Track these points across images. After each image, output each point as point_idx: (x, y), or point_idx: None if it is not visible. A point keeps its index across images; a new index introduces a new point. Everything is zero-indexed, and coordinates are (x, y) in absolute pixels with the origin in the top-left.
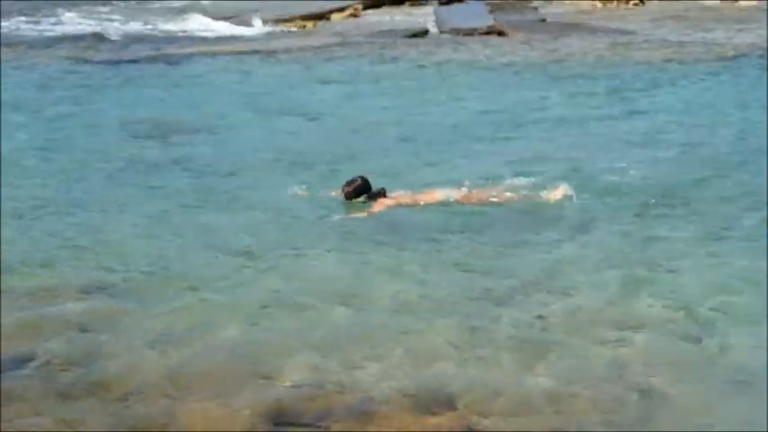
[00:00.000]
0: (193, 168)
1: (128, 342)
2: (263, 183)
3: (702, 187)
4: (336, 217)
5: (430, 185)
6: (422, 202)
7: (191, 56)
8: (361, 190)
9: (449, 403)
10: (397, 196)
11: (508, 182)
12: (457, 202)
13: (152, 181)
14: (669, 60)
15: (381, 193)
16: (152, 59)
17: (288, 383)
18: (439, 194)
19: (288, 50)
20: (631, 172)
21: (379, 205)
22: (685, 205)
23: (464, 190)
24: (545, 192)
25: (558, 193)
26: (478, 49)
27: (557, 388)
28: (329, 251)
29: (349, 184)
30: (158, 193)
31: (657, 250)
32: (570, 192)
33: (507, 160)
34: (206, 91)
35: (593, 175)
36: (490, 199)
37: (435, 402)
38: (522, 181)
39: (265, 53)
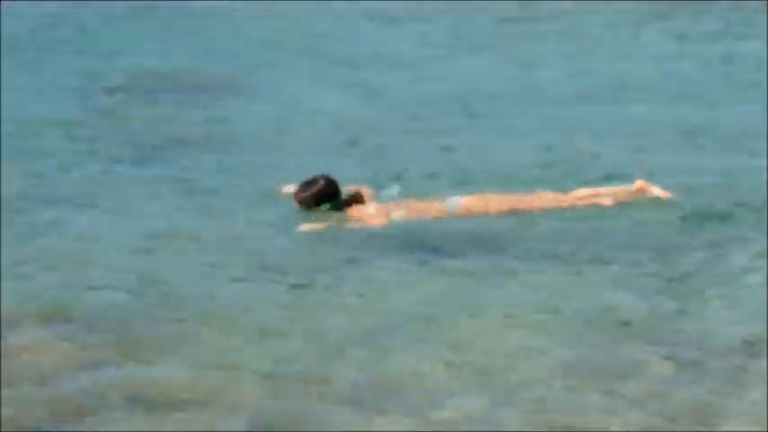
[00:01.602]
0: (197, 146)
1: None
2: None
3: None
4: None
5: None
6: (421, 213)
7: None
8: (324, 195)
9: None
10: (384, 206)
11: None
12: (468, 212)
13: (143, 160)
14: None
15: (357, 199)
16: None
17: None
18: (445, 205)
19: None
20: None
21: (358, 216)
22: None
23: (484, 196)
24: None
25: (644, 190)
26: None
27: None
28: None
29: (306, 185)
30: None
31: None
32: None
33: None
34: (230, 32)
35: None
36: (527, 207)
37: None
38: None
39: None
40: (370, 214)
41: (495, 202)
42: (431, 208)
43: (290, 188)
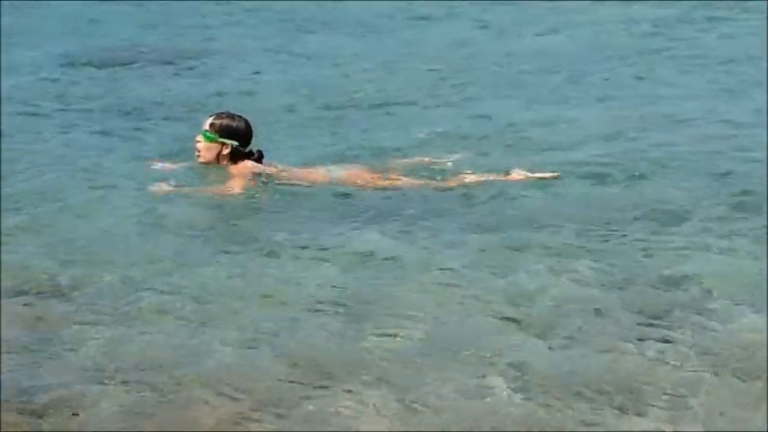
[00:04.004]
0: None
1: None
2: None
3: None
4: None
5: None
6: (296, 179)
7: None
8: (239, 134)
9: None
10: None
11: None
12: (342, 183)
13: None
14: None
15: (254, 156)
16: None
17: None
18: (321, 173)
19: None
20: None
21: (241, 173)
22: None
23: (363, 168)
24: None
25: (513, 176)
26: None
27: None
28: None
29: (226, 115)
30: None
31: None
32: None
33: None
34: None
35: None
36: (394, 183)
37: None
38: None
39: None
40: (252, 170)
41: (374, 177)
42: (313, 174)
43: (160, 163)
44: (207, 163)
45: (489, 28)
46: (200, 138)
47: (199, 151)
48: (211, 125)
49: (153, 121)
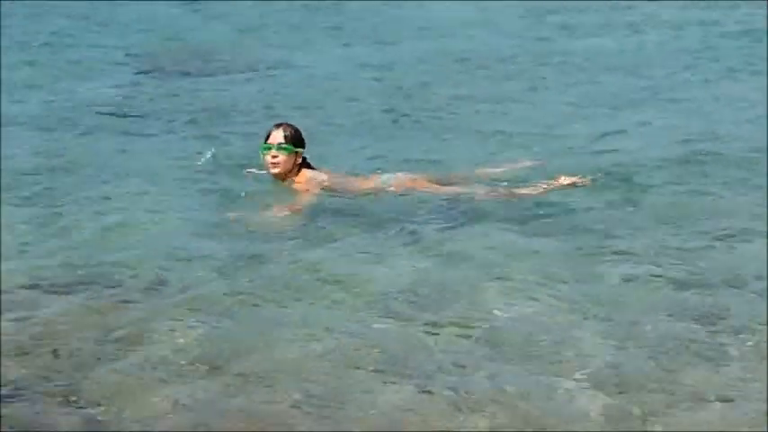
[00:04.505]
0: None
1: None
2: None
3: None
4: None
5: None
6: (355, 186)
7: None
8: (303, 141)
9: None
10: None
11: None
12: (397, 190)
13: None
14: None
15: (306, 164)
16: None
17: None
18: (376, 181)
19: None
20: None
21: (304, 188)
22: None
23: (418, 176)
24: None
25: (560, 181)
26: None
27: None
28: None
29: (285, 126)
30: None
31: None
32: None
33: None
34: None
35: None
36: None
37: None
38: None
39: None
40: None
41: (427, 184)
42: (364, 182)
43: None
44: (282, 174)
45: (565, 30)
46: (276, 152)
47: (278, 164)
48: (285, 137)
49: (229, 128)
